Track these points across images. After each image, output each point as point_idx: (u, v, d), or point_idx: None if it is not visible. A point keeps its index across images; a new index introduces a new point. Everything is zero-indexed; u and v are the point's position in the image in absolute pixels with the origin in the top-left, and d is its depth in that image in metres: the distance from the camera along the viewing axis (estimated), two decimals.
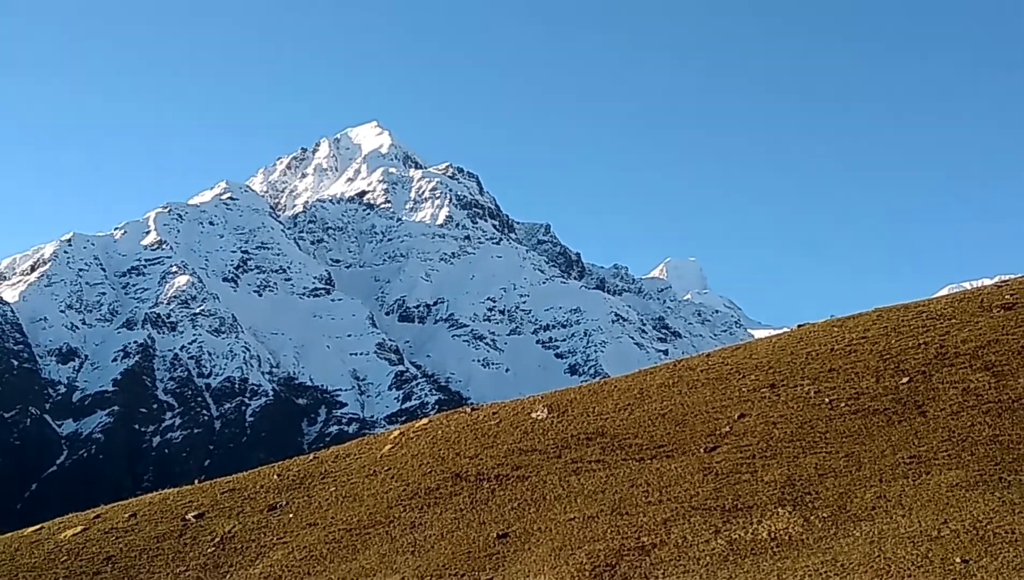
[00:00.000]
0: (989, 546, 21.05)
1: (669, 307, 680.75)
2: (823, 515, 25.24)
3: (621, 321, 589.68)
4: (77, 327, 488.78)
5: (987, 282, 47.72)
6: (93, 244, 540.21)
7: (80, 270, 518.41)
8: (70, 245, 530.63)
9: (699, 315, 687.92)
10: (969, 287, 47.47)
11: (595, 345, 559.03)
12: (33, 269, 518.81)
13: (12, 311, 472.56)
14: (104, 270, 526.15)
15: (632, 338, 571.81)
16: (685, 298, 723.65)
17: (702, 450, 31.88)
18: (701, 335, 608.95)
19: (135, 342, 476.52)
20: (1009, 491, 23.79)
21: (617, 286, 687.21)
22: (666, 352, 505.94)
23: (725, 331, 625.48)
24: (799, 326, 44.22)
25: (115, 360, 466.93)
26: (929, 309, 39.30)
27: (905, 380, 32.96)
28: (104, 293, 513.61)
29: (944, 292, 51.10)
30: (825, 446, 29.73)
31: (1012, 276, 42.93)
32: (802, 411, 32.81)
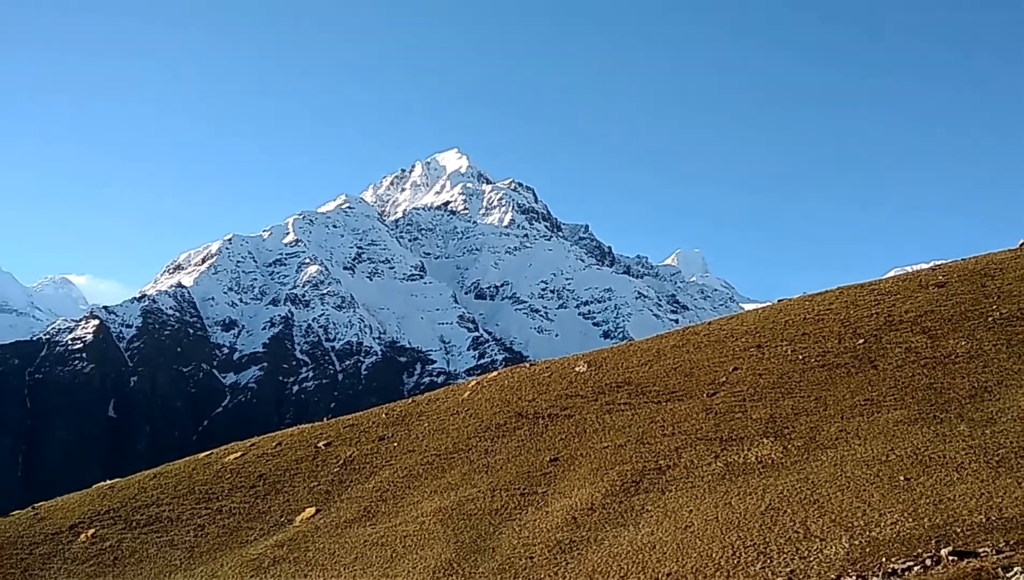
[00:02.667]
0: (926, 467, 20.86)
1: (679, 287, 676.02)
2: (798, 444, 25.09)
3: (642, 298, 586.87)
4: (236, 305, 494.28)
5: (924, 266, 46.88)
6: (247, 242, 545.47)
7: (238, 262, 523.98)
8: (230, 243, 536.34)
9: (702, 293, 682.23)
10: (910, 270, 46.73)
11: (623, 316, 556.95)
12: (203, 261, 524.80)
13: (189, 293, 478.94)
14: (255, 262, 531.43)
15: (651, 311, 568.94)
16: (691, 280, 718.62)
17: (705, 395, 31.75)
18: (704, 308, 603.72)
19: (279, 315, 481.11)
20: (941, 426, 23.56)
21: (639, 271, 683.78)
22: (677, 321, 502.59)
23: (722, 305, 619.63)
24: (779, 300, 43.87)
25: (264, 329, 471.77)
26: (879, 287, 38.86)
27: (861, 341, 32.64)
28: (256, 279, 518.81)
29: (891, 274, 50.37)
30: (799, 392, 29.52)
31: (944, 261, 42.25)
32: (781, 365, 32.58)
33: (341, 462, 37.23)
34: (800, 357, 32.83)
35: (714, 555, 18.84)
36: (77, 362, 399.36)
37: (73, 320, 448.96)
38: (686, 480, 24.67)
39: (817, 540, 18.39)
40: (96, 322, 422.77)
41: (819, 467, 22.67)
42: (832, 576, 16.05)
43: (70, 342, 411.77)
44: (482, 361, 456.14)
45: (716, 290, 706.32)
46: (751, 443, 26.09)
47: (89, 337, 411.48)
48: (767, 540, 18.93)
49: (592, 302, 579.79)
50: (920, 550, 16.57)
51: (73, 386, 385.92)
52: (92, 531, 36.37)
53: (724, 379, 32.92)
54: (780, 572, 17.02)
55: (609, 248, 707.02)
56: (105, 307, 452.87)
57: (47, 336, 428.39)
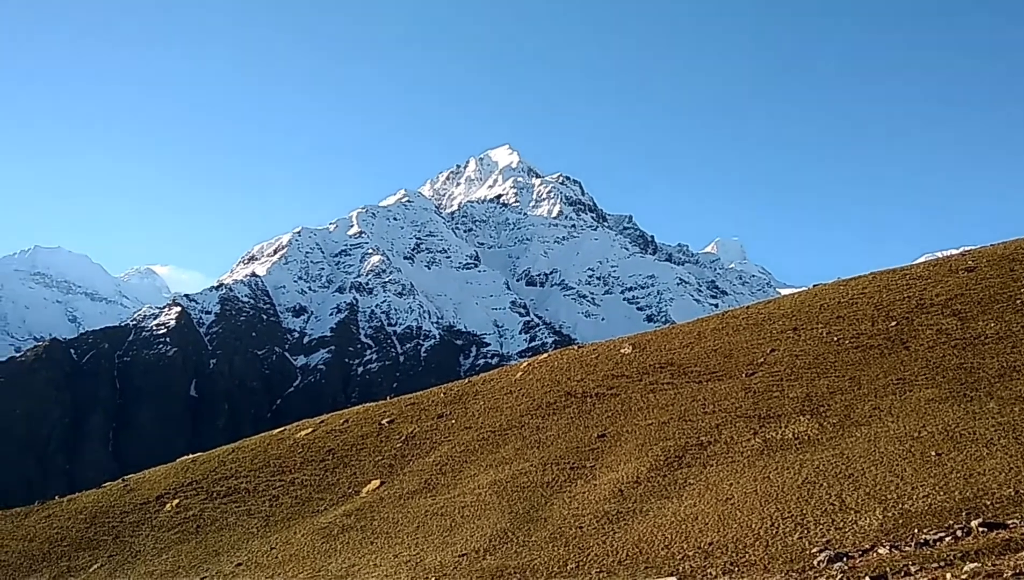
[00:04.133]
0: (956, 443, 20.48)
1: (718, 273, 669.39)
2: (833, 421, 24.76)
3: (684, 284, 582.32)
4: (305, 292, 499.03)
5: (954, 251, 45.91)
6: (315, 234, 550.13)
7: (307, 253, 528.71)
8: (300, 235, 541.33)
9: (740, 279, 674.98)
10: (941, 255, 45.76)
11: (665, 301, 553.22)
12: (275, 252, 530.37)
13: (262, 282, 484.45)
14: (323, 252, 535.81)
15: (692, 296, 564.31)
16: (730, 266, 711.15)
17: (744, 375, 31.45)
18: (742, 293, 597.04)
19: (344, 302, 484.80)
20: (971, 404, 23.10)
21: (680, 258, 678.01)
22: (716, 306, 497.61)
23: (760, 290, 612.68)
24: (814, 285, 43.28)
25: (331, 314, 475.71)
26: (911, 272, 38.17)
27: (893, 324, 32.09)
28: (323, 268, 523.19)
29: (922, 259, 49.41)
30: (834, 372, 29.11)
31: (973, 247, 41.35)
32: (817, 347, 32.16)
33: (403, 438, 37.50)
34: (835, 339, 32.38)
35: (754, 526, 18.68)
36: (161, 346, 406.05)
37: (157, 307, 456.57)
38: (726, 455, 24.48)
39: (852, 512, 18.16)
40: (178, 309, 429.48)
41: (854, 443, 22.36)
42: (866, 546, 15.83)
43: (155, 328, 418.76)
44: (533, 344, 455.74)
45: (754, 276, 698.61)
46: (788, 420, 25.80)
47: (172, 323, 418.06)
48: (804, 512, 18.73)
49: (636, 288, 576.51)
50: (951, 522, 16.30)
51: (158, 368, 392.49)
52: (177, 501, 37.06)
53: (762, 360, 32.58)
54: (817, 542, 16.83)
55: (652, 237, 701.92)
56: (186, 295, 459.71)
57: (134, 322, 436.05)
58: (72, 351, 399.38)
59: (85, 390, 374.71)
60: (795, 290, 47.79)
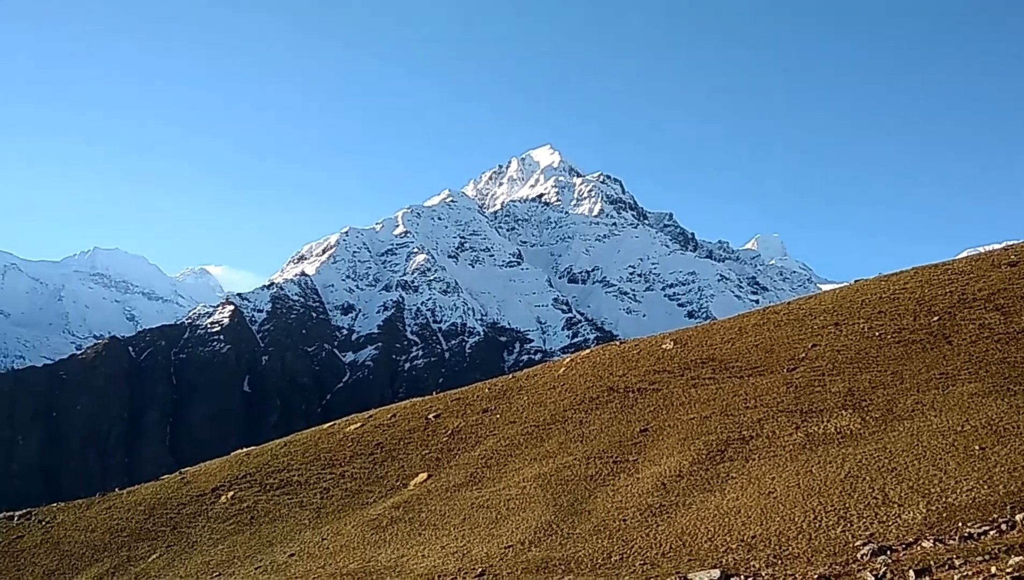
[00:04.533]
0: (1000, 437, 20.09)
1: (759, 269, 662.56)
2: (875, 416, 24.41)
3: (724, 280, 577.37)
4: (353, 290, 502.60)
5: (997, 246, 45.01)
6: (362, 234, 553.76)
7: (354, 252, 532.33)
8: (347, 235, 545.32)
9: (781, 275, 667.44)
10: (983, 250, 44.88)
11: (706, 297, 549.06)
12: (324, 252, 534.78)
13: (311, 281, 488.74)
14: (370, 252, 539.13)
15: (733, 292, 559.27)
16: (771, 263, 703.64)
17: (785, 370, 31.12)
18: (783, 289, 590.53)
19: (391, 300, 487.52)
20: (1015, 398, 22.67)
21: (721, 255, 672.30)
22: (757, 302, 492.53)
23: (800, 286, 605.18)
24: (855, 281, 42.70)
25: (378, 312, 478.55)
26: (953, 267, 37.51)
27: (935, 318, 31.56)
28: (370, 267, 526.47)
29: (964, 254, 48.50)
30: (876, 366, 28.70)
31: (1016, 241, 40.51)
32: (858, 342, 31.72)
33: (449, 432, 37.63)
34: (877, 334, 31.92)
35: (796, 519, 18.48)
36: (215, 343, 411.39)
37: (211, 306, 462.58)
38: (768, 449, 24.24)
39: (895, 506, 17.89)
40: (231, 308, 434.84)
41: (896, 437, 22.03)
42: (910, 539, 15.59)
43: (209, 326, 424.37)
44: (575, 340, 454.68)
45: (794, 272, 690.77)
46: (830, 415, 25.49)
47: (226, 321, 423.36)
48: (847, 505, 18.49)
49: (677, 285, 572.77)
50: (995, 515, 16.00)
51: (212, 365, 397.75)
52: (231, 493, 37.53)
53: (804, 355, 32.21)
54: (860, 535, 16.61)
55: (692, 234, 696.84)
56: (239, 294, 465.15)
57: (189, 321, 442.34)
58: (130, 349, 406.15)
59: (143, 387, 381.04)
60: (836, 286, 47.13)
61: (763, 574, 15.19)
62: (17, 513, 41.96)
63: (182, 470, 45.00)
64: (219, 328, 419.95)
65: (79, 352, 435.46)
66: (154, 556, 32.90)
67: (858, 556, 15.03)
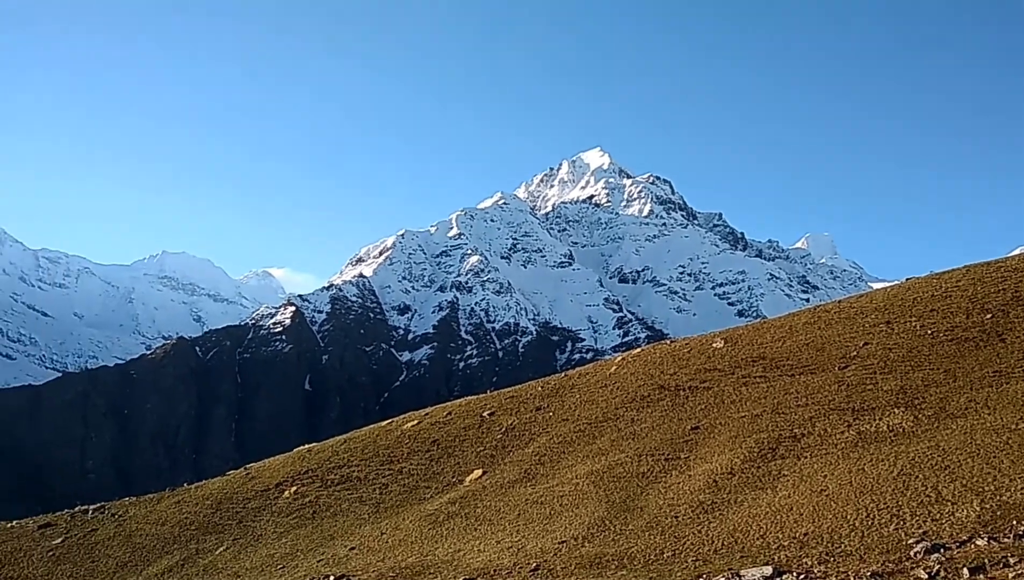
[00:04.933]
0: None
1: (809, 268, 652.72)
2: (928, 414, 23.94)
3: (775, 279, 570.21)
4: (409, 291, 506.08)
5: None
6: (417, 236, 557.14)
7: (410, 254, 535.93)
8: (403, 238, 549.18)
9: (831, 273, 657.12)
10: None
11: (756, 296, 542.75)
12: (381, 254, 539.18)
13: (369, 282, 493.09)
14: (425, 253, 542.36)
15: (783, 291, 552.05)
16: (821, 261, 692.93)
17: (837, 368, 30.65)
18: (833, 288, 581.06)
19: (446, 300, 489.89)
20: None
21: (771, 254, 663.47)
22: (807, 300, 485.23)
23: (851, 285, 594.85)
24: (907, 279, 41.89)
25: (433, 312, 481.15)
26: (1006, 264, 36.61)
27: (989, 316, 30.85)
28: (425, 269, 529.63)
29: (1017, 251, 47.30)
30: (929, 364, 28.14)
31: None
32: (911, 340, 31.12)
33: (503, 429, 37.71)
34: (929, 332, 31.29)
35: (849, 517, 18.20)
36: (278, 343, 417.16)
37: (274, 307, 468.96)
38: (820, 447, 23.90)
39: (949, 504, 17.52)
40: (293, 309, 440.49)
41: (949, 435, 21.58)
42: (964, 537, 15.27)
43: (271, 326, 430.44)
44: (626, 339, 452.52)
45: (845, 270, 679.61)
46: (882, 413, 25.05)
47: (287, 321, 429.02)
48: (900, 503, 18.16)
49: (727, 284, 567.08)
50: None
51: (275, 364, 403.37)
52: (294, 488, 38.04)
53: (855, 353, 31.70)
54: (913, 533, 16.31)
55: (742, 234, 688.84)
56: (300, 296, 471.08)
57: (253, 321, 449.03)
58: (197, 349, 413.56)
59: (209, 385, 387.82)
60: (887, 284, 46.25)
61: (815, 571, 14.99)
62: (92, 507, 42.95)
63: (247, 466, 45.67)
64: (281, 328, 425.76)
65: (149, 352, 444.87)
66: (221, 549, 33.47)
67: (911, 554, 14.76)
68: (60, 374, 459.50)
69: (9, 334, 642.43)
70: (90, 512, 41.97)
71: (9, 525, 41.96)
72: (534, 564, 20.21)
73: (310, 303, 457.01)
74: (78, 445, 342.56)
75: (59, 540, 38.04)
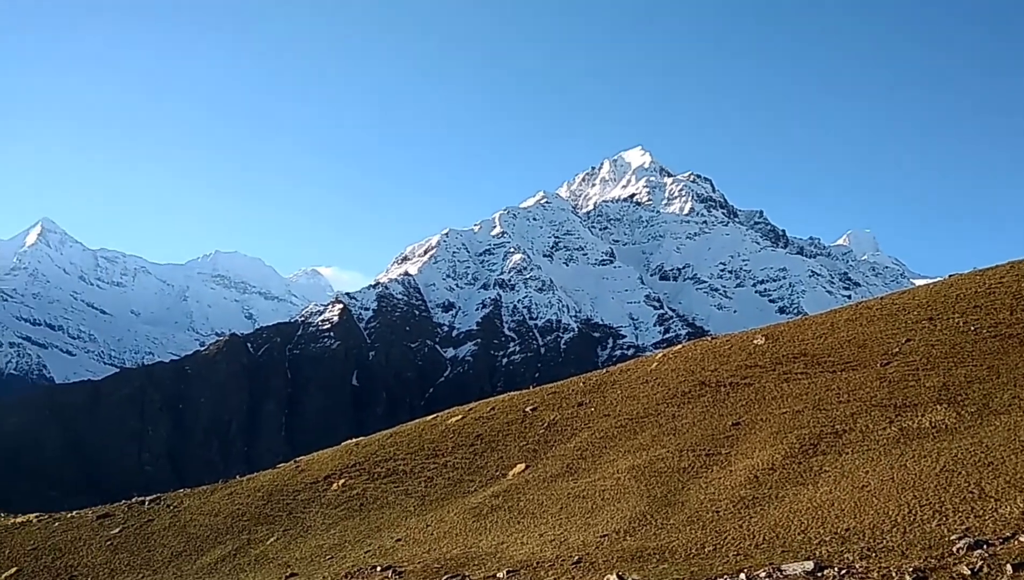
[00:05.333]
0: None
1: (851, 265, 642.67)
2: (971, 410, 23.48)
3: (816, 276, 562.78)
4: (453, 289, 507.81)
5: None
6: (461, 235, 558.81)
7: (454, 252, 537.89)
8: (447, 237, 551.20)
9: (873, 270, 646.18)
10: None
11: (797, 293, 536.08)
12: (425, 252, 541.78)
13: (414, 280, 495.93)
14: (468, 252, 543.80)
15: (824, 288, 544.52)
16: (863, 258, 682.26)
17: (878, 365, 30.18)
18: (875, 285, 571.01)
19: (489, 298, 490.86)
20: None
21: (812, 251, 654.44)
22: (849, 297, 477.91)
23: (893, 281, 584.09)
24: (950, 275, 41.11)
25: (477, 309, 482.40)
26: None
27: None
28: (469, 267, 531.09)
29: None
30: (972, 361, 27.59)
31: None
32: (953, 336, 30.54)
33: (546, 424, 37.70)
34: (972, 328, 30.68)
35: (891, 512, 17.92)
36: (326, 340, 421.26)
37: (322, 305, 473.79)
38: (862, 443, 23.55)
39: (992, 500, 17.17)
40: (340, 306, 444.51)
41: (993, 432, 21.14)
42: (1007, 533, 14.95)
43: (320, 323, 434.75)
44: (667, 336, 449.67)
45: (887, 267, 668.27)
46: (925, 409, 24.61)
47: (335, 319, 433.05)
48: (942, 499, 17.84)
49: (768, 281, 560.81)
50: None
51: (323, 360, 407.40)
52: (342, 481, 38.39)
53: (897, 350, 31.18)
54: (956, 529, 16.01)
55: (783, 231, 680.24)
56: (348, 294, 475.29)
57: (302, 318, 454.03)
58: (248, 345, 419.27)
59: (260, 380, 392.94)
60: (930, 281, 45.43)
61: (857, 566, 14.78)
62: (148, 498, 43.75)
63: (297, 459, 46.19)
64: (329, 325, 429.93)
65: (202, 348, 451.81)
66: (272, 539, 33.89)
67: (954, 550, 14.50)
68: (118, 370, 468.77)
69: (70, 331, 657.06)
70: (146, 503, 42.75)
71: (70, 515, 42.89)
72: (576, 557, 20.18)
73: (357, 301, 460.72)
74: (135, 439, 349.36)
75: (117, 530, 38.80)
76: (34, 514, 43.92)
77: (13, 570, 35.13)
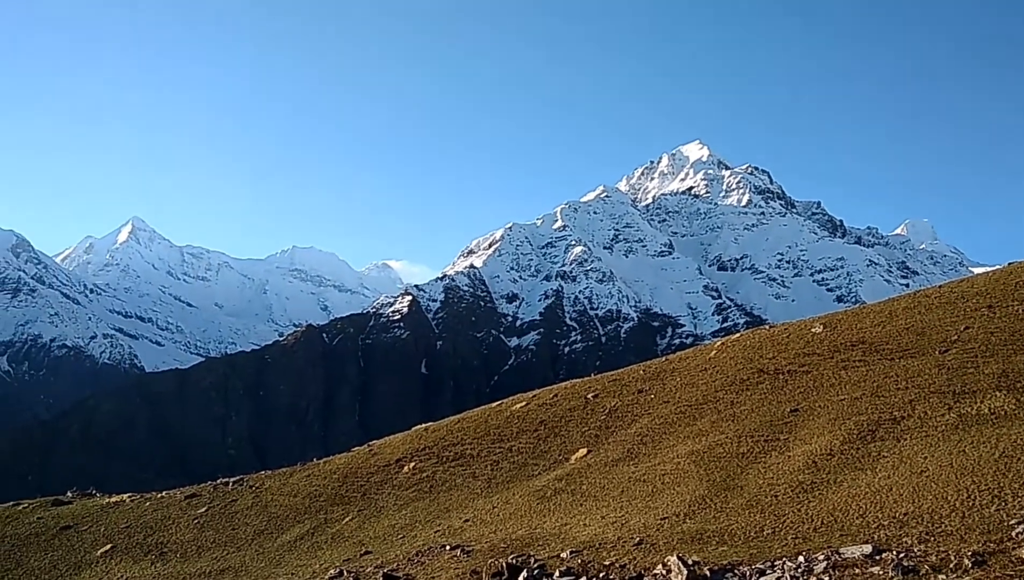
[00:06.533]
0: None
1: (908, 254, 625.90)
2: None
3: (874, 265, 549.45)
4: (516, 281, 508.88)
5: None
6: (524, 229, 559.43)
7: (517, 246, 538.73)
8: (511, 230, 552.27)
9: (931, 259, 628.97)
10: None
11: (855, 282, 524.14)
12: (490, 246, 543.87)
13: (479, 272, 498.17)
14: (531, 245, 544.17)
15: (882, 277, 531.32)
16: (921, 247, 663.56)
17: (937, 352, 29.38)
18: (933, 273, 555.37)
19: (551, 289, 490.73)
20: None
21: (870, 241, 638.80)
22: (907, 286, 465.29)
23: (951, 270, 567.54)
24: (1010, 263, 39.77)
25: (539, 300, 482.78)
26: None
27: None
28: (532, 259, 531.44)
29: None
30: None
31: None
32: (1013, 324, 29.57)
33: (607, 411, 37.58)
34: None
35: (949, 497, 17.47)
36: (396, 330, 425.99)
37: (393, 297, 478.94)
38: (920, 430, 22.99)
39: None
40: (410, 298, 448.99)
41: None
42: None
43: (390, 314, 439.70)
44: (725, 325, 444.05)
45: (945, 256, 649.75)
46: (983, 396, 23.90)
47: (405, 310, 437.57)
48: (1001, 485, 17.33)
49: (825, 270, 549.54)
50: None
51: (394, 349, 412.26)
52: (413, 464, 38.83)
53: (956, 337, 30.32)
54: (1015, 514, 15.55)
55: (840, 221, 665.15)
56: (416, 286, 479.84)
57: (374, 310, 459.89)
58: (324, 335, 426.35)
59: (335, 369, 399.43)
60: (989, 269, 43.99)
61: (915, 550, 14.47)
62: (232, 480, 44.82)
63: (370, 443, 46.81)
64: (399, 316, 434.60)
65: (281, 339, 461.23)
66: (347, 519, 34.46)
67: (1012, 534, 14.09)
68: (203, 359, 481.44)
69: (158, 323, 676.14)
70: (230, 484, 43.78)
71: (160, 495, 44.19)
72: (637, 539, 20.12)
73: (425, 293, 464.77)
74: (220, 423, 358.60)
75: (203, 509, 39.85)
76: (127, 494, 45.34)
77: (108, 546, 36.33)
